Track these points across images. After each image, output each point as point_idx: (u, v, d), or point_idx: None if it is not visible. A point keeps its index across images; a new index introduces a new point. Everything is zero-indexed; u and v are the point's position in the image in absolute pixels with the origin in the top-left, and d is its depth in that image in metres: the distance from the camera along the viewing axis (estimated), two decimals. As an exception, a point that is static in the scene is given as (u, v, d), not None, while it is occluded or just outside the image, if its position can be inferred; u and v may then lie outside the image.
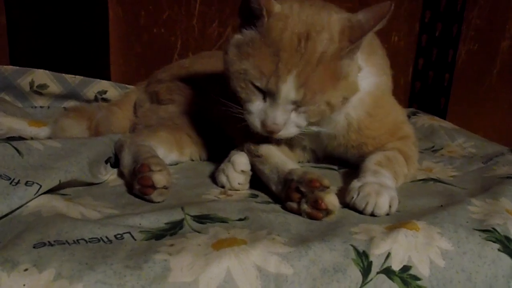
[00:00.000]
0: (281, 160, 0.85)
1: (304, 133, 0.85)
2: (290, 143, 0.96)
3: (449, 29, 1.65)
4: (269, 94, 0.80)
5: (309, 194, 0.73)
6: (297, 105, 0.80)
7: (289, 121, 0.81)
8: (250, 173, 0.87)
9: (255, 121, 0.82)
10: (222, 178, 0.87)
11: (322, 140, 0.95)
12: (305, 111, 0.80)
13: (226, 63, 0.84)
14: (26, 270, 0.53)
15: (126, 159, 0.88)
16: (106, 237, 0.62)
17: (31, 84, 1.34)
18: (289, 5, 0.82)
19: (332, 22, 0.80)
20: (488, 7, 1.63)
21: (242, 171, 0.86)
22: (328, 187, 0.74)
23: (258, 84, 0.79)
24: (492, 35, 1.65)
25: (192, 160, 1.04)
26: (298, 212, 0.74)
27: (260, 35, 0.79)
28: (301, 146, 0.99)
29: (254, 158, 0.87)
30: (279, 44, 0.77)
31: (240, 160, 0.86)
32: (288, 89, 0.77)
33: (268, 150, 0.88)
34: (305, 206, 0.73)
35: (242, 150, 0.90)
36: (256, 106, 0.81)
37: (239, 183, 0.86)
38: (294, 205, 0.75)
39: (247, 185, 0.87)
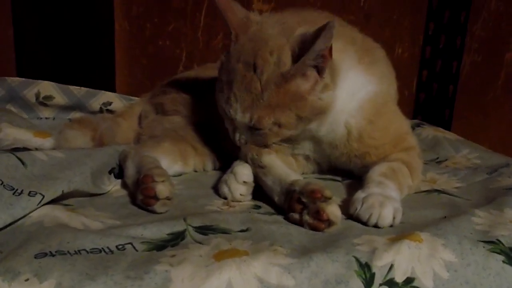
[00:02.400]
0: (284, 171, 0.85)
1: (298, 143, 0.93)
2: (292, 151, 0.97)
3: (453, 41, 1.65)
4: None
5: (311, 205, 0.73)
6: (250, 127, 0.87)
7: (249, 140, 0.91)
8: (253, 184, 0.87)
9: (230, 135, 0.93)
10: (224, 189, 0.87)
11: (324, 149, 0.95)
12: (260, 134, 0.87)
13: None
14: (27, 280, 0.53)
15: (130, 170, 0.89)
16: (108, 248, 0.62)
17: (37, 95, 1.35)
18: (264, 20, 0.88)
19: (285, 44, 0.82)
20: (491, 19, 1.63)
21: (244, 182, 0.86)
22: (330, 198, 0.74)
23: (222, 111, 0.91)
24: (496, 46, 1.65)
25: (196, 171, 1.04)
26: (300, 223, 0.74)
27: (227, 62, 0.88)
28: (304, 157, 0.99)
29: (257, 168, 0.88)
30: (232, 75, 0.86)
31: (243, 171, 0.87)
32: (235, 114, 0.87)
33: (271, 161, 0.88)
34: (307, 217, 0.73)
35: (245, 161, 0.90)
36: (227, 124, 0.93)
37: (241, 194, 0.86)
38: (296, 216, 0.75)
39: (249, 196, 0.87)
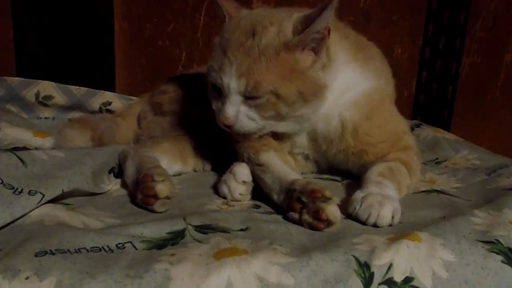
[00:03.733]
0: (283, 170, 0.85)
1: (279, 131, 0.91)
2: (291, 149, 0.97)
3: (453, 42, 1.66)
4: (221, 91, 0.86)
5: (311, 204, 0.73)
6: (245, 97, 0.84)
7: (239, 114, 0.85)
8: (252, 183, 0.87)
9: (217, 119, 0.88)
10: (224, 189, 0.87)
11: (321, 145, 0.95)
12: (256, 105, 0.84)
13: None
14: (27, 278, 0.53)
15: (130, 169, 0.89)
16: (108, 246, 0.62)
17: (37, 95, 1.35)
18: (256, 10, 0.91)
19: (286, 19, 0.84)
20: (491, 20, 1.64)
21: (244, 181, 0.86)
22: (330, 198, 0.74)
23: (211, 80, 0.86)
24: (496, 48, 1.65)
25: (196, 171, 1.04)
26: (299, 223, 0.74)
27: (220, 39, 0.87)
28: (303, 156, 0.99)
29: (255, 166, 0.88)
30: (228, 43, 0.84)
31: (241, 171, 0.87)
32: (229, 80, 0.83)
33: (269, 159, 0.88)
34: (306, 217, 0.73)
35: (243, 161, 0.90)
36: (215, 104, 0.89)
37: (240, 194, 0.86)
38: (295, 215, 0.75)
39: (249, 196, 0.87)
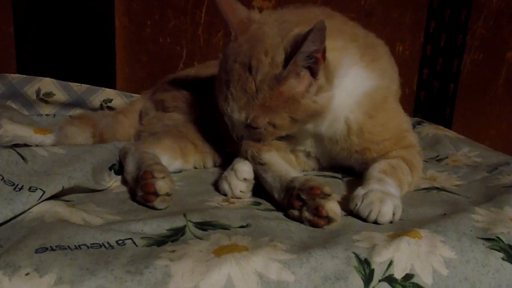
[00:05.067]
0: (284, 168, 0.85)
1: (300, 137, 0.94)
2: (294, 148, 0.97)
3: (454, 39, 1.65)
4: None
5: (310, 201, 0.73)
6: (246, 124, 0.88)
7: (245, 136, 0.92)
8: (253, 181, 0.88)
9: (230, 130, 0.94)
10: (225, 186, 0.87)
11: (325, 145, 0.95)
12: (257, 132, 0.89)
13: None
14: (27, 274, 0.53)
15: (130, 166, 0.89)
16: (108, 243, 0.62)
17: (38, 92, 1.35)
18: (262, 19, 0.89)
19: (279, 45, 0.82)
20: (492, 18, 1.63)
21: (245, 179, 0.86)
22: (329, 195, 0.74)
23: (220, 107, 0.92)
24: (497, 45, 1.65)
25: (196, 168, 1.04)
26: (300, 220, 0.74)
27: (224, 61, 0.89)
28: (305, 153, 0.99)
29: (257, 165, 0.88)
30: (229, 74, 0.87)
31: (243, 168, 0.87)
32: (232, 112, 0.88)
33: (271, 158, 0.88)
34: (306, 214, 0.73)
35: (245, 158, 0.90)
36: (226, 120, 0.94)
37: (241, 191, 0.86)
38: (296, 212, 0.75)
39: (249, 193, 0.87)
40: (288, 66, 0.80)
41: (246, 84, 0.84)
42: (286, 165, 0.88)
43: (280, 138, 0.93)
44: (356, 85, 0.89)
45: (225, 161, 0.95)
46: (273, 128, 0.87)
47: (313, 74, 0.82)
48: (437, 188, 0.94)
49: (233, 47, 0.88)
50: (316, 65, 0.81)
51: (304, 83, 0.83)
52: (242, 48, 0.86)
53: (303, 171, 1.00)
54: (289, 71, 0.81)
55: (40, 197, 0.70)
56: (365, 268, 0.60)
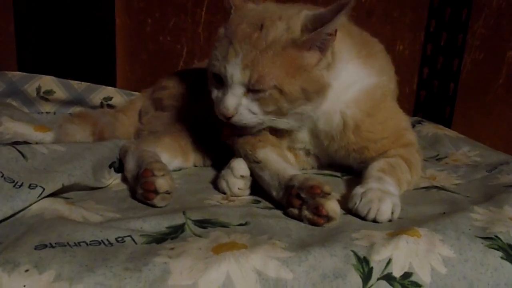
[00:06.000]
0: (281, 166, 0.85)
1: (278, 127, 0.90)
2: (292, 145, 0.97)
3: (454, 38, 1.65)
4: (222, 81, 0.85)
5: (310, 200, 0.73)
6: (248, 89, 0.83)
7: (240, 106, 0.84)
8: (250, 178, 0.87)
9: (215, 108, 0.87)
10: (223, 184, 0.87)
11: (322, 142, 0.95)
12: (258, 98, 0.83)
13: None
14: (26, 271, 0.53)
15: (130, 164, 0.89)
16: (107, 240, 0.62)
17: (38, 90, 1.35)
18: (263, 4, 0.89)
19: (295, 16, 0.83)
20: (493, 17, 1.63)
21: (242, 176, 0.86)
22: (329, 194, 0.74)
23: (213, 70, 0.85)
24: (498, 44, 1.64)
25: (196, 166, 1.04)
26: (299, 218, 0.74)
27: (225, 30, 0.86)
28: (304, 151, 0.99)
29: (252, 164, 0.87)
30: (233, 34, 0.83)
31: (239, 166, 0.87)
32: (232, 70, 0.81)
33: (266, 156, 0.87)
34: (306, 213, 0.73)
35: (240, 157, 0.90)
36: (215, 93, 0.88)
37: (239, 188, 0.86)
38: (295, 211, 0.75)
39: (248, 191, 0.87)
40: (313, 34, 0.80)
41: (255, 40, 0.81)
42: (283, 162, 0.87)
43: (273, 132, 0.92)
44: (353, 80, 0.89)
45: (225, 160, 0.94)
46: (279, 94, 0.82)
47: (322, 51, 0.83)
48: (437, 187, 0.94)
49: (236, 15, 0.87)
50: (328, 42, 0.83)
51: (315, 57, 0.83)
52: (249, 14, 0.85)
53: (303, 169, 1.01)
54: (308, 39, 0.81)
55: (40, 195, 0.70)
56: (364, 266, 0.61)
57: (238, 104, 0.84)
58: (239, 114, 0.85)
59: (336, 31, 0.82)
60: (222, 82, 0.85)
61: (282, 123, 0.89)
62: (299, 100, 0.84)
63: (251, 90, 0.83)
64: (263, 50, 0.81)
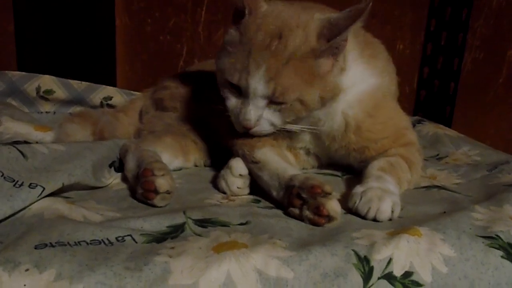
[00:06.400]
0: (281, 165, 0.85)
1: (289, 130, 0.89)
2: (292, 145, 0.97)
3: (455, 38, 1.65)
4: (242, 91, 0.83)
5: (311, 200, 0.73)
6: (270, 101, 0.82)
7: (262, 118, 0.84)
8: (249, 177, 0.87)
9: (232, 118, 0.87)
10: (222, 183, 0.87)
11: (323, 141, 0.95)
12: (279, 110, 0.83)
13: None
14: (27, 270, 0.53)
15: (130, 164, 0.89)
16: (108, 239, 0.62)
17: (38, 89, 1.35)
18: (274, 4, 0.86)
19: (310, 22, 0.82)
20: (493, 16, 1.63)
21: (240, 175, 0.86)
22: (330, 193, 0.74)
23: (232, 80, 0.83)
24: (498, 44, 1.64)
25: (196, 166, 1.04)
26: (300, 218, 0.74)
27: (239, 34, 0.83)
28: (305, 150, 0.99)
29: (250, 164, 0.87)
30: (252, 42, 0.81)
31: (238, 165, 0.87)
32: (256, 83, 0.80)
33: (265, 156, 0.87)
34: (307, 212, 0.73)
35: (239, 156, 0.90)
36: (233, 103, 0.86)
37: (238, 187, 0.86)
38: (296, 211, 0.75)
39: (247, 189, 0.87)
40: (329, 43, 0.80)
41: (276, 51, 0.79)
42: (282, 162, 0.87)
43: (279, 134, 0.92)
44: (356, 80, 0.89)
45: (226, 159, 0.94)
46: (300, 105, 0.82)
47: (335, 56, 0.83)
48: (437, 187, 0.94)
49: (251, 20, 0.83)
50: (342, 48, 0.82)
51: (329, 63, 0.83)
52: (266, 19, 0.83)
53: (303, 169, 1.00)
54: (327, 48, 0.80)
55: (40, 194, 0.70)
56: (365, 265, 0.61)
57: (260, 116, 0.84)
58: (260, 126, 0.85)
59: (347, 37, 0.82)
60: (240, 91, 0.84)
61: (296, 127, 0.89)
62: (316, 107, 0.85)
63: (273, 102, 0.82)
64: (285, 62, 0.80)
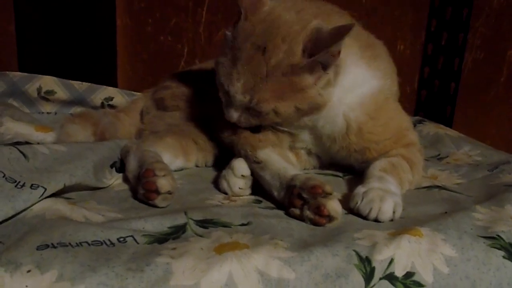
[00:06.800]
0: (282, 166, 0.85)
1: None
2: (293, 145, 0.97)
3: (455, 37, 1.65)
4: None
5: (312, 200, 0.73)
6: (247, 107, 0.87)
7: (241, 118, 0.90)
8: (251, 177, 0.87)
9: (224, 111, 0.92)
10: (224, 184, 0.87)
11: (324, 142, 0.95)
12: (256, 115, 0.87)
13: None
14: (28, 271, 0.53)
15: (132, 164, 0.89)
16: (109, 240, 0.62)
17: (39, 90, 1.35)
18: (278, 4, 0.86)
19: (299, 33, 0.81)
20: (494, 16, 1.63)
21: (242, 175, 0.86)
22: (330, 194, 0.74)
23: (220, 81, 0.89)
24: (499, 44, 1.64)
25: (198, 166, 1.04)
26: (301, 218, 0.74)
27: (232, 37, 0.87)
28: (306, 151, 0.99)
29: (253, 164, 0.87)
30: (238, 53, 0.84)
31: (240, 165, 0.87)
32: (235, 92, 0.86)
33: (267, 156, 0.87)
34: (308, 213, 0.73)
35: (242, 157, 0.90)
36: (223, 98, 0.91)
37: (239, 188, 0.86)
38: (297, 211, 0.75)
39: (249, 190, 0.87)
40: (309, 61, 0.80)
41: (257, 66, 0.82)
42: (284, 162, 0.88)
43: (274, 132, 0.93)
44: (357, 83, 0.89)
45: (227, 160, 0.94)
46: (275, 115, 0.86)
47: (324, 68, 0.83)
48: (438, 187, 0.94)
49: (244, 26, 0.85)
50: (331, 61, 0.82)
51: (315, 76, 0.83)
52: (256, 29, 0.84)
53: (304, 169, 1.00)
54: (308, 64, 0.81)
55: (42, 195, 0.70)
56: (366, 266, 0.61)
57: (239, 116, 0.90)
58: (241, 123, 0.91)
59: (339, 51, 0.81)
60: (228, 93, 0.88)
61: (286, 128, 0.92)
62: (294, 117, 0.87)
63: (251, 108, 0.86)
64: (263, 78, 0.83)
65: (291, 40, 0.81)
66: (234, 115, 0.90)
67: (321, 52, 0.79)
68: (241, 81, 0.84)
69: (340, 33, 0.77)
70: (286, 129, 0.92)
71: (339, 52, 0.81)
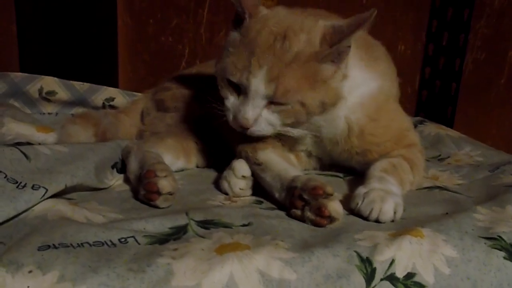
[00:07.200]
0: (283, 167, 0.85)
1: (287, 134, 0.88)
2: (293, 148, 0.97)
3: (456, 38, 1.65)
4: (242, 90, 0.82)
5: (313, 201, 0.73)
6: (270, 101, 0.81)
7: (260, 118, 0.83)
8: (252, 178, 0.87)
9: (230, 117, 0.86)
10: (224, 185, 0.87)
11: (325, 145, 0.95)
12: (279, 111, 0.82)
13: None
14: (30, 272, 0.53)
15: (133, 165, 0.89)
16: (110, 241, 0.62)
17: (40, 90, 1.35)
18: (276, 10, 0.86)
19: (314, 27, 0.82)
20: (495, 17, 1.63)
21: (243, 176, 0.86)
22: (331, 194, 0.74)
23: (232, 79, 0.82)
24: (499, 44, 1.64)
25: (198, 167, 1.04)
26: (302, 219, 0.74)
27: (241, 36, 0.84)
28: (306, 152, 0.99)
29: (253, 166, 0.87)
30: (254, 42, 0.81)
31: (241, 166, 0.87)
32: (258, 83, 0.79)
33: (268, 158, 0.87)
34: (309, 214, 0.73)
35: (242, 158, 0.90)
36: (232, 102, 0.85)
37: (240, 189, 0.86)
38: (298, 212, 0.75)
39: (249, 191, 0.87)
40: (332, 48, 0.80)
41: (279, 52, 0.79)
42: (284, 163, 0.87)
43: (280, 139, 0.92)
44: (357, 84, 0.89)
45: (227, 160, 0.94)
46: (301, 108, 0.81)
47: (338, 63, 0.83)
48: (439, 187, 0.94)
49: (254, 22, 0.83)
50: (344, 55, 0.82)
51: (331, 69, 0.82)
52: (269, 21, 0.83)
53: (305, 170, 1.00)
54: (329, 53, 0.80)
55: (43, 195, 0.70)
56: (367, 266, 0.61)
57: (258, 116, 0.82)
58: (257, 125, 0.83)
59: (350, 45, 0.82)
60: (239, 90, 0.83)
61: (295, 131, 0.88)
62: (317, 112, 0.84)
63: (274, 102, 0.82)
64: (288, 63, 0.79)
65: (309, 31, 0.81)
66: (251, 114, 0.81)
67: (343, 41, 0.79)
68: (263, 68, 0.79)
69: (358, 22, 0.78)
70: (297, 133, 0.89)
71: (350, 45, 0.82)
